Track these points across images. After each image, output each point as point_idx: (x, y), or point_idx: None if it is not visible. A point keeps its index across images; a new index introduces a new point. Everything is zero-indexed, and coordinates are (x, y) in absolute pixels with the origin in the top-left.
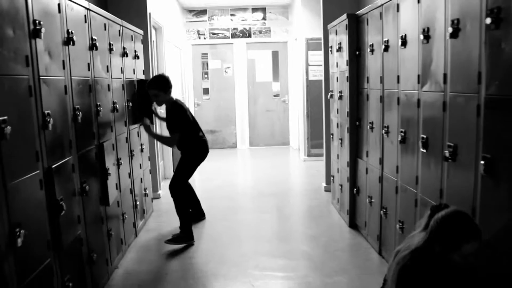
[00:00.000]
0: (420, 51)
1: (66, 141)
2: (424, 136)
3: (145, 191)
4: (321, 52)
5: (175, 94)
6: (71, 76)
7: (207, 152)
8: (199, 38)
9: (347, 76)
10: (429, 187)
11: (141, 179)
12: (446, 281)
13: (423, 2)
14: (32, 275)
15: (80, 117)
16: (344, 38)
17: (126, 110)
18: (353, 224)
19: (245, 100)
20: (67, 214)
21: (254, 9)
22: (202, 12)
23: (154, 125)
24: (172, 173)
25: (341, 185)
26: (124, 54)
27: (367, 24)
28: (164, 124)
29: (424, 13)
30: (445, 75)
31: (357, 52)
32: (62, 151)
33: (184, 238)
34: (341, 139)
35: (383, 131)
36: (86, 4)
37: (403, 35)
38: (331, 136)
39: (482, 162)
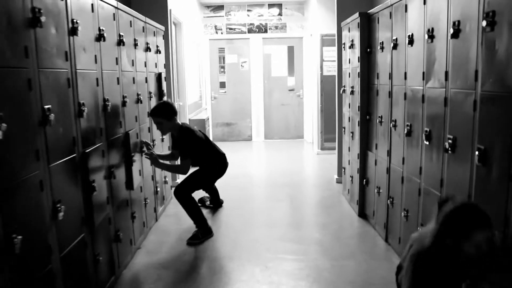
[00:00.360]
0: (425, 50)
1: (97, 129)
2: (428, 129)
3: (165, 178)
4: (335, 48)
5: (193, 89)
6: (102, 70)
7: (226, 167)
8: (217, 33)
9: (358, 72)
10: (431, 177)
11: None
12: (459, 272)
13: (429, 4)
14: (69, 247)
15: (109, 107)
16: (356, 36)
17: (148, 102)
18: (362, 214)
19: (261, 94)
20: (98, 195)
21: (271, 5)
22: (220, 7)
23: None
24: None
25: (351, 177)
26: (147, 49)
27: (378, 22)
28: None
29: (429, 14)
30: (446, 73)
31: (368, 49)
32: (94, 138)
33: (203, 233)
34: (352, 133)
35: (391, 124)
36: (114, 3)
37: (410, 34)
38: (343, 130)
39: (476, 152)
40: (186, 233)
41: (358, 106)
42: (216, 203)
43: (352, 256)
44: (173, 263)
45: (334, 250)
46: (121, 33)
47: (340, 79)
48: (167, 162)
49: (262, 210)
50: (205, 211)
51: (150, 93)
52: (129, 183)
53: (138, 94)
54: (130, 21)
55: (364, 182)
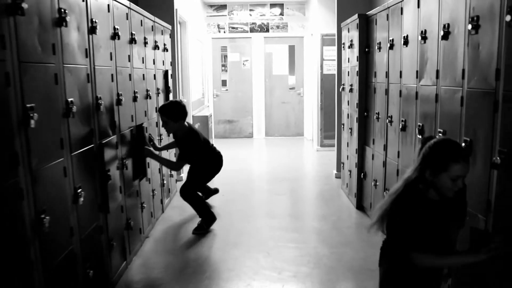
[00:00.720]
0: (418, 50)
1: (112, 122)
2: (420, 124)
3: (170, 172)
4: (335, 48)
5: (196, 86)
6: (116, 66)
7: (221, 166)
8: (219, 32)
9: (357, 71)
10: None
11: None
12: (433, 211)
13: (422, 7)
14: (88, 230)
15: (122, 101)
16: (355, 36)
17: (156, 98)
18: (360, 206)
19: (262, 92)
20: (113, 183)
21: (272, 5)
22: (222, 7)
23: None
24: None
25: (350, 171)
26: (156, 47)
27: (376, 24)
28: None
29: (422, 17)
30: (437, 71)
31: (367, 49)
32: (109, 130)
33: (207, 221)
34: (350, 129)
35: (387, 120)
36: (127, 3)
37: (405, 35)
38: (342, 126)
39: (463, 144)
40: (192, 223)
41: (357, 104)
42: (208, 192)
43: (350, 244)
44: (180, 250)
45: (333, 238)
46: (133, 32)
47: (339, 78)
48: (164, 156)
49: (264, 203)
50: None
51: (158, 89)
52: (143, 173)
53: (147, 90)
54: (141, 21)
55: (361, 176)
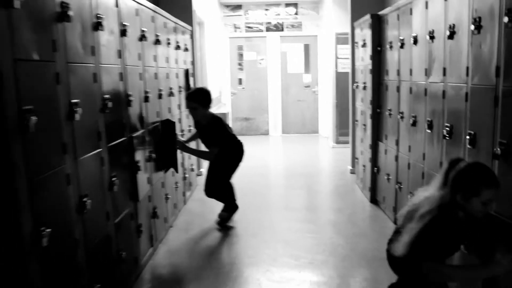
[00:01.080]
0: (427, 49)
1: (140, 117)
2: (430, 119)
3: (191, 166)
4: (349, 46)
5: (213, 84)
6: (143, 66)
7: (243, 153)
8: (235, 31)
9: (370, 69)
10: (432, 162)
11: (189, 156)
12: (467, 233)
13: (430, 8)
14: (120, 216)
15: (150, 98)
16: (368, 35)
17: (178, 96)
18: (374, 200)
19: (278, 90)
20: (142, 174)
21: (287, 4)
22: (238, 7)
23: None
24: None
25: (364, 166)
26: (177, 47)
27: (387, 23)
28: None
29: (430, 18)
30: (444, 69)
31: (379, 48)
32: (138, 125)
33: (231, 211)
34: (364, 125)
35: (399, 116)
36: (153, 7)
37: (415, 35)
38: (356, 123)
39: (467, 137)
40: (212, 215)
41: (370, 100)
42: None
43: (364, 235)
44: (203, 239)
45: (347, 230)
46: (157, 33)
47: (353, 76)
48: (194, 147)
49: (281, 197)
50: None
51: (179, 87)
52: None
53: (170, 88)
54: (164, 23)
55: (375, 170)
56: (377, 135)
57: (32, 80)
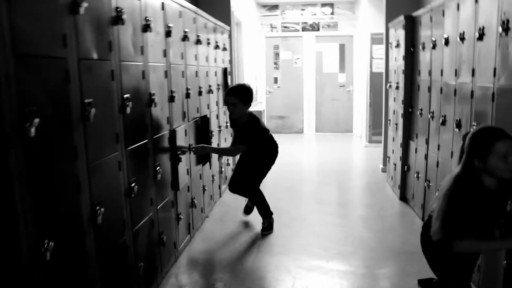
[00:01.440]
0: (457, 50)
1: (182, 112)
2: (458, 119)
3: (227, 161)
4: (383, 46)
5: (250, 82)
6: (186, 64)
7: (277, 155)
8: (272, 31)
9: (403, 69)
10: None
11: None
12: (488, 199)
13: (461, 11)
14: (162, 203)
15: (190, 95)
16: (401, 36)
17: (217, 93)
18: (403, 197)
19: (313, 89)
20: (182, 165)
21: (323, 4)
22: (275, 7)
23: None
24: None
25: (394, 164)
26: (216, 46)
27: (420, 24)
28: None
29: (461, 20)
30: (473, 70)
31: (412, 49)
32: (179, 119)
33: (267, 217)
34: (396, 124)
35: (429, 115)
36: (194, 9)
37: (446, 36)
38: (389, 122)
39: None
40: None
41: (402, 100)
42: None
43: (392, 230)
44: (237, 229)
45: (376, 224)
46: (198, 34)
47: (387, 76)
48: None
49: (313, 192)
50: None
51: (218, 85)
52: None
53: (209, 86)
54: (205, 23)
55: (405, 169)
56: (408, 134)
57: (91, 77)
